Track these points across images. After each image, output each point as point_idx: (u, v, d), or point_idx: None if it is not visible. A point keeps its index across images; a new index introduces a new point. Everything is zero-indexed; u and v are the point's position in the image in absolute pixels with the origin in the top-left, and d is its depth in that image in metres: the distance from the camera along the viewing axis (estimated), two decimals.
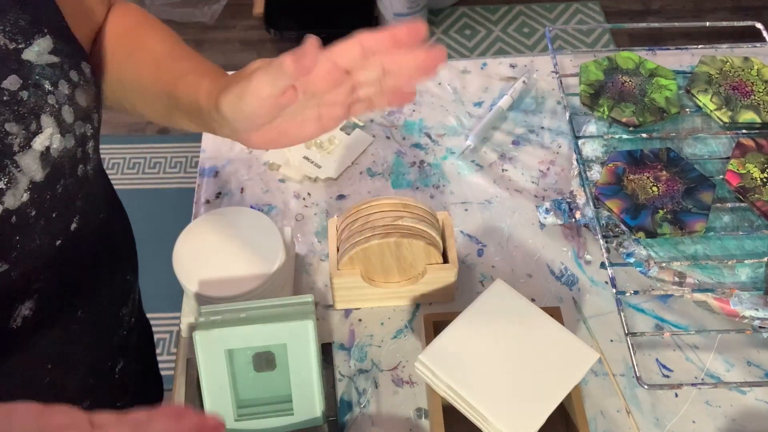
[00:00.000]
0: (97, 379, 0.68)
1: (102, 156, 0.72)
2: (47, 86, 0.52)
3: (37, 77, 0.52)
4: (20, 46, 0.52)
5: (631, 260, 0.75)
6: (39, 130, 0.51)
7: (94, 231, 0.62)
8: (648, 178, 0.78)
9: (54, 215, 0.54)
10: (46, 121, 0.52)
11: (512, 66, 1.02)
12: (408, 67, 0.46)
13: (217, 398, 0.63)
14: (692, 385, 0.69)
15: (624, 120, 0.84)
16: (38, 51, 0.53)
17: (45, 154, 0.52)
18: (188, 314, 0.73)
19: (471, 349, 0.64)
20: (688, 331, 0.74)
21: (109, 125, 2.16)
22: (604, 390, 0.72)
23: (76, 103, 0.54)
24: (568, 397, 0.64)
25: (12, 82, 0.50)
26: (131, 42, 0.64)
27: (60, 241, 0.56)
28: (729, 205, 0.78)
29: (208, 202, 0.88)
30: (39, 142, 0.51)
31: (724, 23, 1.02)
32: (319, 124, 0.51)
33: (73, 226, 0.57)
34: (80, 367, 0.65)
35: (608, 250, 0.75)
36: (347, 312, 0.78)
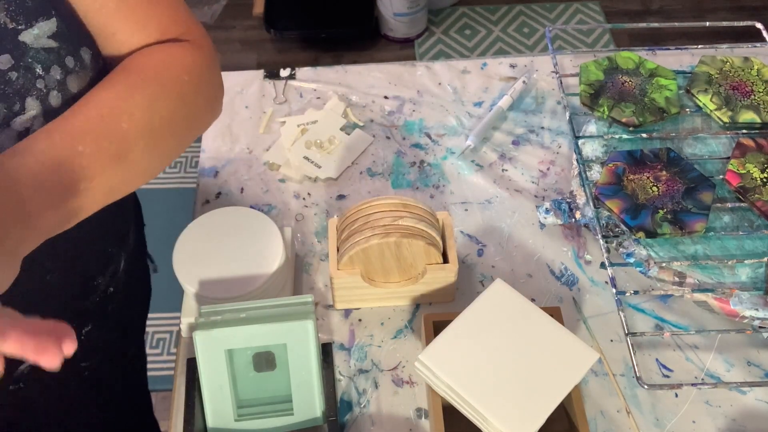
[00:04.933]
0: None
1: None
2: (38, 70, 0.53)
3: (29, 60, 0.53)
4: (19, 27, 0.53)
5: (631, 260, 0.75)
6: (21, 112, 0.52)
7: None
8: (648, 178, 0.78)
9: None
10: (31, 103, 0.53)
11: (512, 66, 1.02)
12: None
13: (217, 398, 0.63)
14: (692, 385, 0.69)
15: (624, 120, 0.84)
16: (37, 34, 0.53)
17: (23, 134, 0.52)
18: (188, 314, 0.73)
19: (471, 349, 0.64)
20: (688, 331, 0.74)
21: None
22: (604, 390, 0.72)
23: (67, 89, 0.55)
24: (568, 397, 0.64)
25: (3, 62, 0.51)
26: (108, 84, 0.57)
27: None
28: (729, 205, 0.78)
29: (208, 202, 0.88)
30: (19, 123, 0.52)
31: (724, 23, 1.02)
32: None
33: None
34: None
35: (608, 250, 0.75)
36: (347, 312, 0.78)
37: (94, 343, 0.73)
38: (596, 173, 0.81)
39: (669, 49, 1.00)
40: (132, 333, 0.88)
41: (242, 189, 0.89)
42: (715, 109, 0.84)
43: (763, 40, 0.96)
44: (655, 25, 1.04)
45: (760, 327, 0.71)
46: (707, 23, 1.02)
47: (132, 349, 0.88)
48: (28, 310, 0.61)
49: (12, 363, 0.63)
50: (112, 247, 0.73)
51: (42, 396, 0.71)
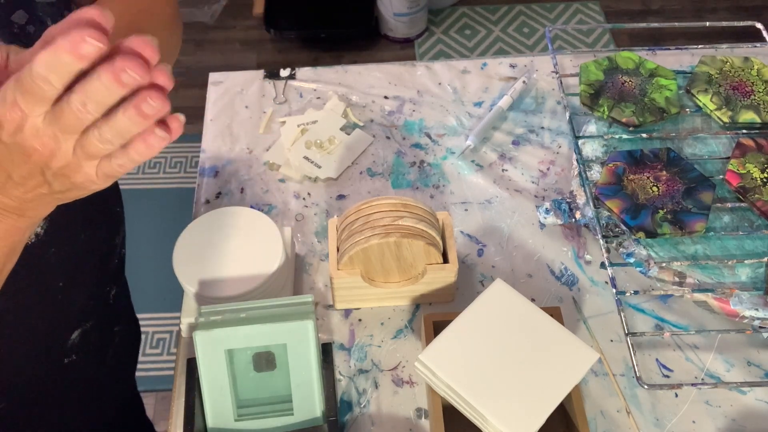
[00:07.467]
0: (96, 303, 0.72)
1: None
2: (49, 22, 0.56)
3: (40, 14, 0.55)
4: None
5: (631, 260, 0.75)
6: None
7: None
8: (648, 178, 0.78)
9: None
10: None
11: (512, 66, 1.02)
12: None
13: (217, 398, 0.63)
14: (692, 385, 0.69)
15: (624, 120, 0.83)
16: None
17: None
18: (188, 314, 0.73)
19: (471, 349, 0.64)
20: (688, 331, 0.74)
21: None
22: (604, 390, 0.72)
23: None
24: (568, 397, 0.64)
25: (20, 17, 0.54)
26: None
27: None
28: (729, 205, 0.78)
29: (208, 202, 0.88)
30: None
31: (724, 23, 1.02)
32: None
33: None
34: (84, 287, 0.69)
35: (608, 250, 0.75)
36: (347, 312, 0.78)
37: (121, 306, 0.75)
38: (596, 173, 0.81)
39: (669, 49, 1.00)
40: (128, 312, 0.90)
41: (242, 189, 0.89)
42: (715, 109, 0.84)
43: (763, 40, 0.96)
44: (655, 25, 1.04)
45: (760, 327, 0.71)
46: (707, 23, 1.02)
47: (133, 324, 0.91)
48: (71, 270, 0.66)
49: (63, 332, 0.65)
50: (119, 207, 0.76)
51: (86, 367, 0.72)
